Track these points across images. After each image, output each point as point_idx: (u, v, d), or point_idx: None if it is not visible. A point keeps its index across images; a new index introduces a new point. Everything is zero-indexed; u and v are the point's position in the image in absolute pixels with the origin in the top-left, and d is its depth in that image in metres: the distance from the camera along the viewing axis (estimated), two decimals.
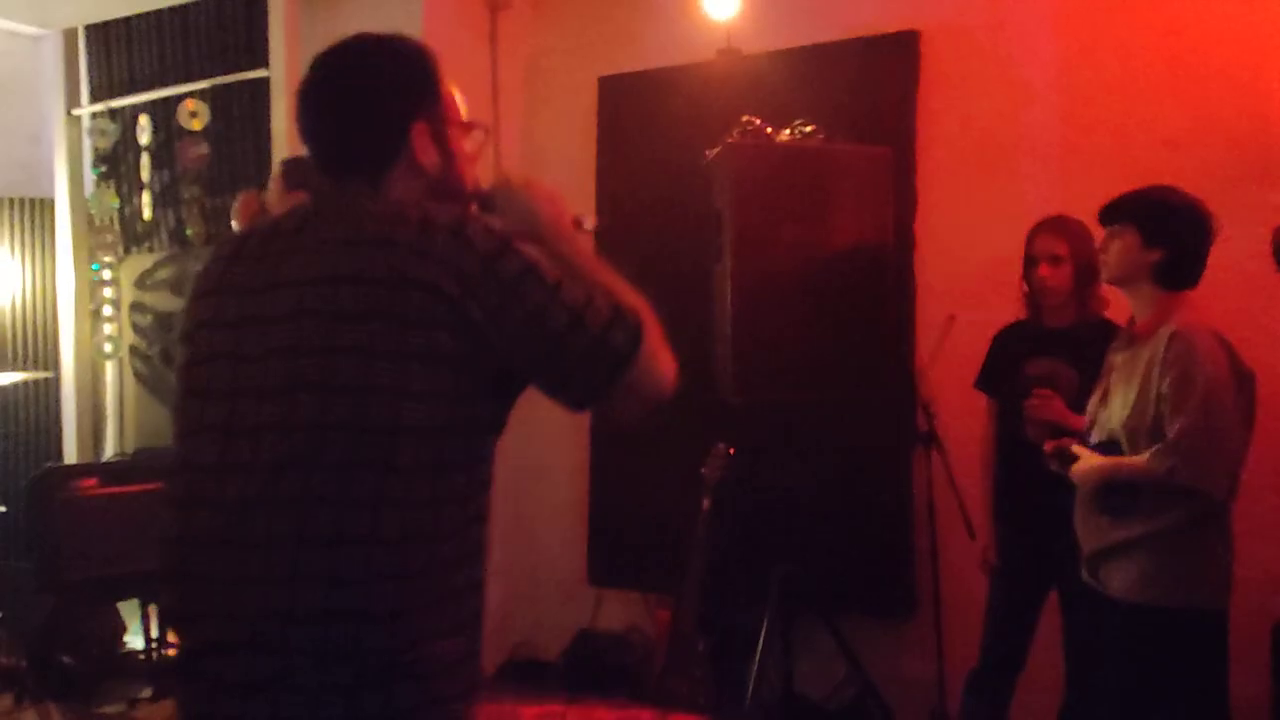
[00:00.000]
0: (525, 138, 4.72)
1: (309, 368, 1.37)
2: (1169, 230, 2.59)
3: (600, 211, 4.49)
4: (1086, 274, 3.05)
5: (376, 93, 1.55)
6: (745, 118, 3.52)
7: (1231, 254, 3.29)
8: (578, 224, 1.65)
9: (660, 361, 1.48)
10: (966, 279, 3.83)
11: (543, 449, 4.42)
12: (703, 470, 3.89)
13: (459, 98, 1.62)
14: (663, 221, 4.25)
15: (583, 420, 4.57)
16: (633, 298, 1.50)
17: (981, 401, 3.38)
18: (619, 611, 4.48)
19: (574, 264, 1.52)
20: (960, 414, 3.62)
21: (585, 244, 1.62)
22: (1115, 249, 2.63)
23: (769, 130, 3.50)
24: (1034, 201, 3.52)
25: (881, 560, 3.96)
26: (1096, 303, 3.13)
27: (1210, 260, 2.67)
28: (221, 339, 1.46)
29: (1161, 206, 2.61)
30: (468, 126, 1.62)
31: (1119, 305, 2.91)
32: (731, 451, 3.88)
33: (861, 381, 3.41)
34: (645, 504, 4.35)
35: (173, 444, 1.48)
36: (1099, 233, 2.74)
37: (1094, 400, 2.78)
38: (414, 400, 1.35)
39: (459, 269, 1.38)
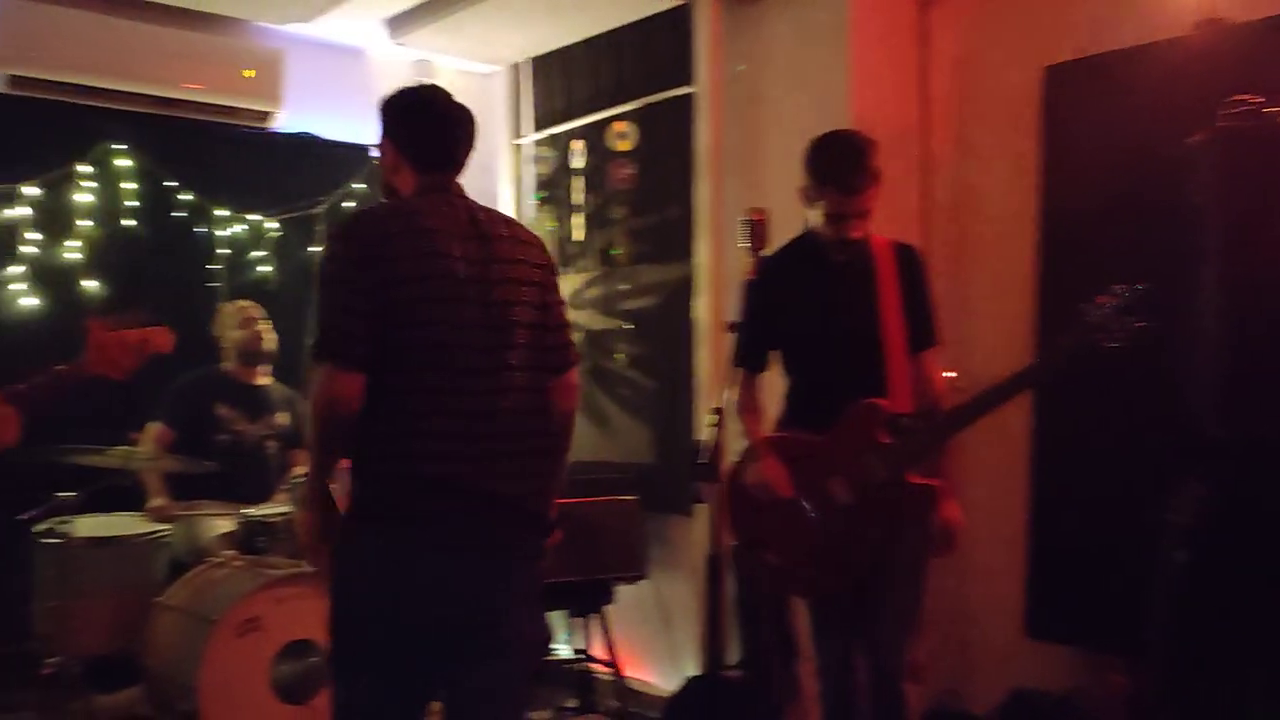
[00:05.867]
0: (958, 140, 4.37)
1: None
2: None
3: (1046, 212, 4.04)
4: None
5: None
6: (1236, 97, 2.99)
7: None
8: None
9: None
10: None
11: (974, 478, 4.01)
12: (1169, 515, 3.33)
13: None
14: (1121, 220, 3.72)
15: (1019, 448, 4.11)
16: None
17: None
18: (1061, 669, 3.96)
19: None
20: None
21: None
22: None
23: (1269, 110, 2.94)
24: None
25: None
26: None
27: None
28: None
29: None
30: None
31: None
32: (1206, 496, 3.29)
33: None
34: (1094, 550, 3.82)
35: None
36: None
37: None
38: None
39: None
